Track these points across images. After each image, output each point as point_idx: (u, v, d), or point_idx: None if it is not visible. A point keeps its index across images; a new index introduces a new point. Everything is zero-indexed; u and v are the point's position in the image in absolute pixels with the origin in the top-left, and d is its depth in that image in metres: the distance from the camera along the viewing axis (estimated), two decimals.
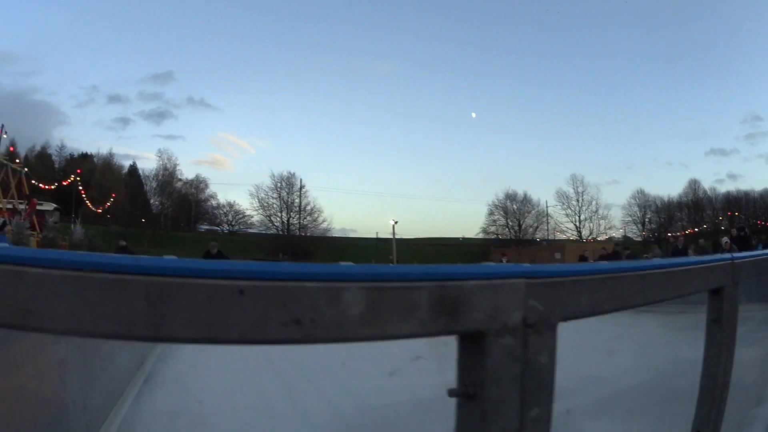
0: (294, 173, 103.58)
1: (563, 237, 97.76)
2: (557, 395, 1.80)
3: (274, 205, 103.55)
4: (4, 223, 21.53)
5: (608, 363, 11.91)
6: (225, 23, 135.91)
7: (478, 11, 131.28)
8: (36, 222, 44.95)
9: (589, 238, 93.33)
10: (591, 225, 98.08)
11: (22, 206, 45.40)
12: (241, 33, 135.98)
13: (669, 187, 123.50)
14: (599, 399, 8.16)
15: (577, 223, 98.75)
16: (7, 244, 18.41)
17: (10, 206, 44.31)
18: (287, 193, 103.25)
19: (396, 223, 64.07)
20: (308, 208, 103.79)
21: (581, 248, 52.87)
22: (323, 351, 9.20)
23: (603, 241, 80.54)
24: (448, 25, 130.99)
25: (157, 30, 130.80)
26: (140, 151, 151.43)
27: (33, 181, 58.03)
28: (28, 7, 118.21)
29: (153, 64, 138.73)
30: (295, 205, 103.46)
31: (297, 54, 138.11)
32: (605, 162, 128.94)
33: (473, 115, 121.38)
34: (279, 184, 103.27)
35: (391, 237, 72.13)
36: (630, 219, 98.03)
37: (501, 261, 36.09)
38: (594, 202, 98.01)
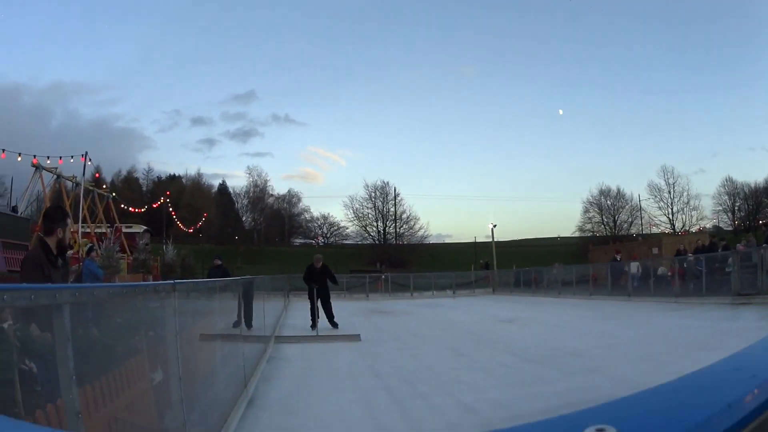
0: (387, 182, 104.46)
1: (657, 231, 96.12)
2: None
3: (369, 215, 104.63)
4: (92, 248, 21.96)
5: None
6: (303, 39, 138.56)
7: (558, 7, 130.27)
8: (126, 245, 46.16)
9: (682, 230, 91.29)
10: (683, 217, 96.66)
11: (110, 230, 46.71)
12: (319, 48, 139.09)
13: (755, 172, 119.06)
14: None
15: (670, 216, 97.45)
16: (100, 270, 18.82)
17: (98, 231, 45.58)
18: (382, 203, 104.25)
19: (495, 226, 63.46)
20: (404, 216, 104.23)
21: (677, 242, 51.65)
22: (434, 364, 8.81)
23: (696, 232, 78.40)
24: (528, 23, 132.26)
25: (235, 52, 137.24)
26: (229, 169, 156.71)
27: (122, 205, 59.77)
28: (104, 39, 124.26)
29: (234, 85, 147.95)
30: (391, 213, 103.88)
31: (379, 64, 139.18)
32: (690, 151, 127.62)
33: (560, 111, 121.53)
34: (373, 194, 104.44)
35: (489, 240, 71.76)
36: (720, 208, 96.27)
37: (615, 258, 35.18)
38: (685, 193, 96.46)
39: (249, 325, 12.06)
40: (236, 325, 10.23)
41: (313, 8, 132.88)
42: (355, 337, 16.69)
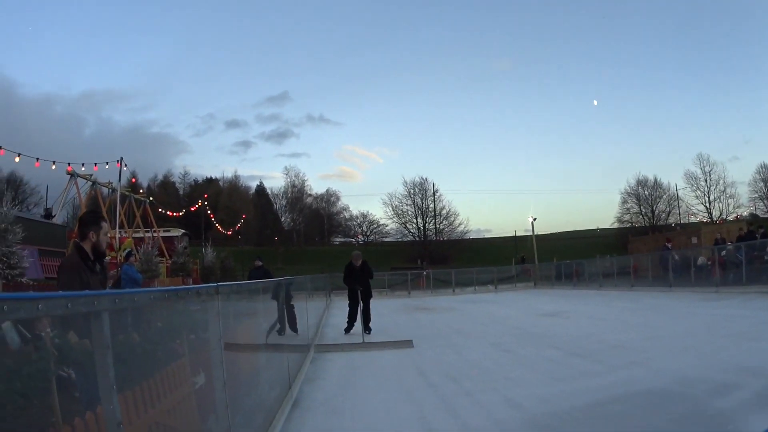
0: (426, 178, 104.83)
1: (695, 220, 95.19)
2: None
3: (409, 212, 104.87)
4: (130, 253, 22.14)
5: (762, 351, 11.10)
6: (335, 39, 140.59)
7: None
8: (165, 249, 46.60)
9: (719, 218, 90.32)
10: (720, 205, 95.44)
11: (148, 235, 47.21)
12: (352, 46, 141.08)
13: None
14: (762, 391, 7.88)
15: (707, 204, 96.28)
16: (139, 274, 19.03)
17: (136, 235, 46.07)
18: (421, 199, 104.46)
19: (534, 219, 63.23)
20: (443, 212, 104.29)
21: (715, 230, 51.17)
22: (479, 361, 8.73)
23: (733, 221, 77.41)
24: (561, 14, 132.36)
25: (267, 54, 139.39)
26: (266, 171, 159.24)
27: (159, 210, 60.33)
28: (135, 47, 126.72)
29: (267, 86, 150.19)
30: (430, 210, 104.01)
31: (412, 59, 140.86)
32: (723, 139, 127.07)
33: (594, 102, 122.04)
34: (412, 191, 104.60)
35: (528, 234, 71.67)
36: (756, 195, 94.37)
37: (666, 247, 34.81)
38: (721, 181, 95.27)
39: (294, 329, 11.98)
40: (281, 332, 10.16)
41: (343, 7, 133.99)
42: (407, 343, 15.23)
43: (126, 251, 24.52)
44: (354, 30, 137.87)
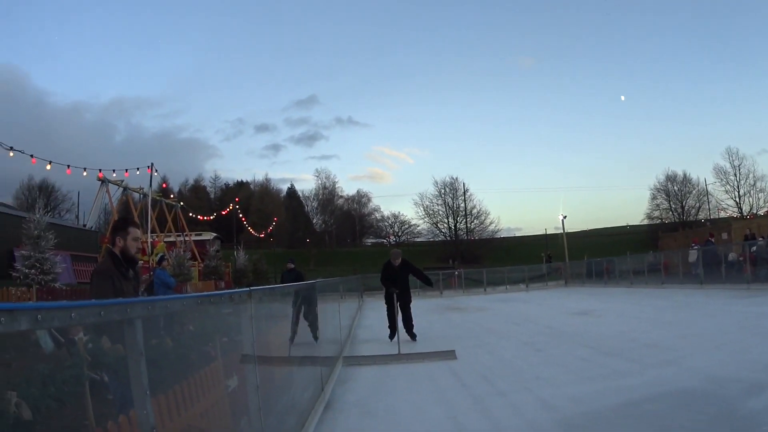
0: (457, 177, 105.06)
1: (725, 215, 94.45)
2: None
3: (440, 212, 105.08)
4: (163, 257, 22.35)
5: None
6: (361, 41, 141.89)
7: None
8: (197, 252, 46.93)
9: (750, 213, 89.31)
10: (750, 199, 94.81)
11: (180, 239, 47.59)
12: (378, 48, 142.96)
13: None
14: None
15: (737, 199, 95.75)
16: (171, 278, 19.25)
17: (168, 240, 46.44)
18: (452, 198, 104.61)
19: (565, 217, 62.92)
20: (474, 211, 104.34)
21: (746, 226, 50.70)
22: (511, 360, 8.77)
23: (764, 216, 76.45)
24: (587, 11, 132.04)
25: (294, 58, 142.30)
26: (297, 173, 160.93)
27: (191, 214, 60.73)
28: (164, 54, 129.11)
29: (295, 90, 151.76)
30: (461, 209, 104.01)
31: (439, 60, 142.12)
32: (752, 131, 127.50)
33: (622, 98, 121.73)
34: (443, 191, 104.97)
35: (558, 232, 71.46)
36: None
37: (710, 241, 34.27)
38: (751, 175, 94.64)
39: (315, 337, 11.94)
40: (291, 339, 10.11)
41: (369, 9, 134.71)
42: (449, 354, 13.45)
43: (159, 256, 24.74)
44: (380, 32, 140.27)
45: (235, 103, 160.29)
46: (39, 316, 2.10)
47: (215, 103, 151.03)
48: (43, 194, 69.70)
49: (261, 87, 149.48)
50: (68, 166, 35.63)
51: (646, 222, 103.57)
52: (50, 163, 33.98)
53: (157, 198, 46.99)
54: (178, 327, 4.82)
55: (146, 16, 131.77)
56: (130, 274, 6.19)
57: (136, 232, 6.14)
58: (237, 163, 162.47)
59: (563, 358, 11.92)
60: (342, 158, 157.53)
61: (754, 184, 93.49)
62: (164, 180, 60.30)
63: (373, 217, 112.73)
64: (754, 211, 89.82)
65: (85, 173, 37.54)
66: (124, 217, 11.37)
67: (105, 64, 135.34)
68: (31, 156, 32.34)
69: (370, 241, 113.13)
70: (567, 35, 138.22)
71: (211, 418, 4.98)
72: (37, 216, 21.61)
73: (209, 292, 17.07)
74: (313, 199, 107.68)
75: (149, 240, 37.99)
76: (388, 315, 17.24)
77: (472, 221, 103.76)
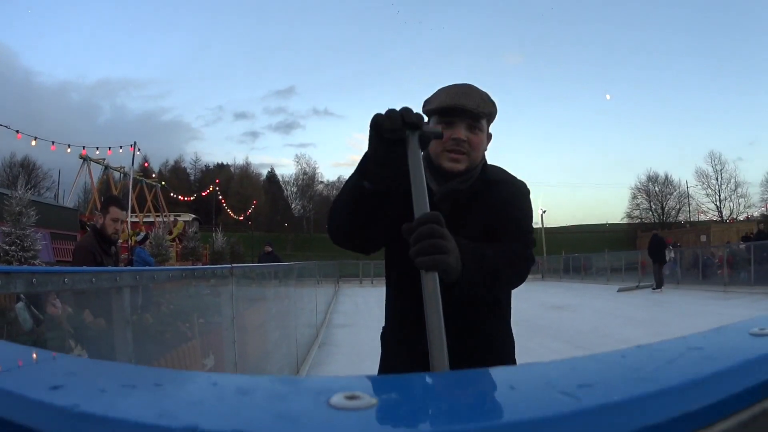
0: None
1: (705, 218, 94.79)
2: None
3: None
4: (146, 237, 22.38)
5: None
6: (342, 34, 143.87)
7: None
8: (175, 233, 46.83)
9: (730, 218, 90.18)
10: (731, 204, 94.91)
11: (159, 219, 47.46)
12: (359, 41, 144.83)
13: None
14: None
15: (718, 203, 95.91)
16: (151, 258, 19.29)
17: (147, 220, 46.33)
18: None
19: (544, 212, 63.42)
20: None
21: (725, 229, 51.24)
22: None
23: (743, 221, 77.28)
24: (573, 8, 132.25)
25: (273, 50, 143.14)
26: (276, 158, 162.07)
27: (171, 194, 60.54)
28: (152, 38, 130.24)
29: (274, 81, 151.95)
30: None
31: (421, 53, 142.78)
32: (731, 139, 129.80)
33: (608, 96, 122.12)
34: None
35: (538, 227, 71.83)
36: None
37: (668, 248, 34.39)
38: (732, 180, 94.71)
39: None
40: None
41: (351, 5, 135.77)
42: None
43: (142, 235, 24.74)
44: (362, 24, 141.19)
45: (216, 91, 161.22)
46: (34, 279, 2.16)
47: (197, 89, 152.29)
48: (24, 171, 69.25)
49: (242, 76, 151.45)
50: (53, 142, 35.58)
51: (626, 221, 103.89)
52: (35, 139, 33.89)
53: (138, 177, 46.81)
54: (160, 302, 4.86)
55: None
56: (112, 250, 6.23)
57: (116, 212, 6.15)
58: (217, 147, 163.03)
59: (536, 351, 11.95)
60: (319, 146, 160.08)
61: (735, 189, 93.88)
62: (145, 160, 60.12)
63: None
64: (735, 216, 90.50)
65: (69, 150, 37.42)
66: (110, 196, 11.39)
67: (93, 45, 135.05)
68: (17, 132, 32.23)
69: None
70: (554, 33, 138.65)
71: None
72: (20, 192, 21.53)
73: (193, 266, 17.00)
74: (293, 184, 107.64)
75: (129, 220, 37.89)
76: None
77: None
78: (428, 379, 0.67)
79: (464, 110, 2.42)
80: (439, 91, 2.52)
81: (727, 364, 0.59)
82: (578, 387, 0.56)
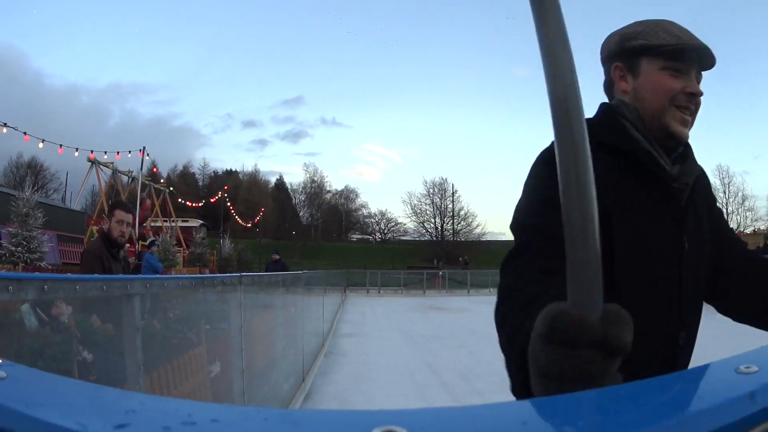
0: (446, 178, 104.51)
1: None
2: None
3: (428, 212, 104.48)
4: (153, 242, 22.42)
5: None
6: (352, 44, 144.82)
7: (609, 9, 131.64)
8: (182, 239, 46.78)
9: (738, 231, 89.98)
10: (738, 217, 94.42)
11: (167, 224, 47.49)
12: (370, 50, 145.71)
13: None
14: None
15: (726, 216, 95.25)
16: (160, 264, 19.30)
17: (154, 225, 46.36)
18: (440, 199, 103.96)
19: None
20: (461, 212, 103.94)
21: None
22: (492, 361, 8.81)
23: (750, 234, 77.00)
24: (579, 23, 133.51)
25: (282, 60, 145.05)
26: (285, 166, 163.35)
27: (179, 200, 60.60)
28: (163, 45, 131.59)
29: (282, 91, 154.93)
30: (449, 210, 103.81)
31: (433, 65, 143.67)
32: (737, 153, 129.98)
33: None
34: (431, 190, 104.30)
35: None
36: None
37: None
38: (740, 194, 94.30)
39: None
40: None
41: (360, 17, 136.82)
42: None
43: (149, 240, 24.78)
44: (372, 34, 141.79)
45: (225, 99, 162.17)
46: (45, 286, 2.16)
47: (207, 96, 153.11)
48: (31, 172, 69.49)
49: (251, 85, 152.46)
50: (60, 145, 35.60)
51: None
52: (42, 141, 33.96)
53: (146, 182, 46.87)
54: (169, 309, 4.88)
55: (150, 6, 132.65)
56: (121, 254, 6.24)
57: (122, 215, 6.16)
58: (226, 153, 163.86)
59: None
60: (327, 155, 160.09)
61: (743, 202, 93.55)
62: (154, 165, 60.25)
63: (360, 213, 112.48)
64: (742, 229, 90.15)
65: (76, 154, 37.47)
66: (116, 200, 11.48)
67: (105, 49, 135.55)
68: (24, 133, 32.30)
69: (355, 236, 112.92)
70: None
71: (195, 399, 5.03)
72: (27, 194, 21.57)
73: (202, 275, 17.06)
74: (301, 192, 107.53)
75: (137, 225, 37.94)
76: None
77: (459, 223, 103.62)
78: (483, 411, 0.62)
79: (704, 55, 1.84)
80: (650, 24, 1.85)
81: (711, 403, 0.60)
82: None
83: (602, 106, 1.94)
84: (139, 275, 10.27)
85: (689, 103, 1.82)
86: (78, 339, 3.84)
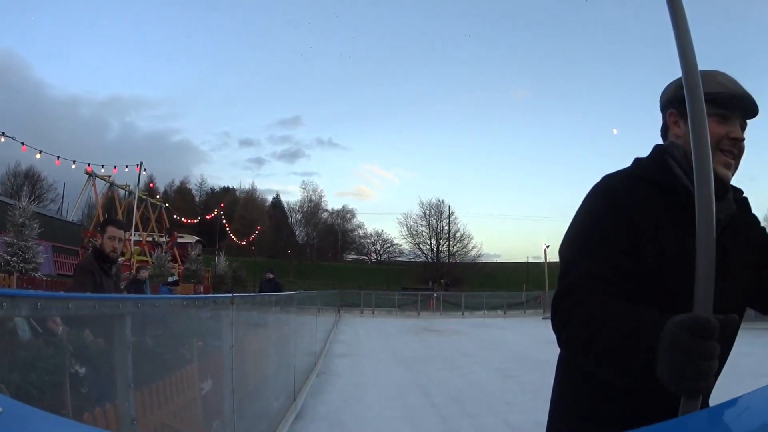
0: (443, 200, 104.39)
1: None
2: None
3: (423, 233, 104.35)
4: (177, 282, 22.65)
5: None
6: (351, 66, 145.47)
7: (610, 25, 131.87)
8: (178, 254, 46.78)
9: None
10: None
11: (162, 239, 47.47)
12: (368, 72, 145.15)
13: None
14: None
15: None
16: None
17: (150, 240, 46.37)
18: (436, 220, 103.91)
19: (548, 247, 63.21)
20: (458, 234, 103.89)
21: None
22: (483, 384, 8.85)
23: None
24: (579, 44, 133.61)
25: (280, 80, 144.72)
26: (281, 185, 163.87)
27: (175, 216, 60.57)
28: (164, 60, 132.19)
29: (280, 110, 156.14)
30: (445, 232, 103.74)
31: (431, 87, 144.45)
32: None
33: (615, 131, 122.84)
34: (428, 212, 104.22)
35: (540, 261, 71.83)
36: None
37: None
38: None
39: None
40: None
41: (358, 39, 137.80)
42: None
43: (173, 279, 24.90)
44: (367, 57, 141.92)
45: (223, 117, 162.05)
46: (39, 304, 2.19)
47: (206, 113, 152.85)
48: (29, 182, 69.38)
49: (248, 104, 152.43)
50: (57, 157, 35.67)
51: None
52: (40, 152, 34.03)
53: (143, 197, 46.91)
54: (161, 327, 4.90)
55: (152, 22, 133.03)
56: (113, 270, 6.27)
57: (114, 231, 6.18)
58: (223, 171, 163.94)
59: (534, 386, 11.95)
60: (323, 176, 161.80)
61: None
62: (151, 179, 60.31)
63: (356, 233, 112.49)
64: None
65: (74, 166, 37.64)
66: (109, 217, 11.55)
67: (106, 63, 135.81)
68: (22, 143, 32.36)
69: (351, 256, 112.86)
70: (560, 69, 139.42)
71: (185, 417, 5.04)
72: (24, 203, 21.60)
73: (195, 295, 17.06)
74: (298, 210, 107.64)
75: (132, 239, 37.93)
76: None
77: (455, 244, 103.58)
78: None
79: (747, 104, 2.02)
80: (703, 74, 1.77)
81: None
82: None
83: (655, 147, 2.16)
84: (133, 294, 10.27)
85: (733, 147, 1.99)
86: (70, 353, 3.87)
